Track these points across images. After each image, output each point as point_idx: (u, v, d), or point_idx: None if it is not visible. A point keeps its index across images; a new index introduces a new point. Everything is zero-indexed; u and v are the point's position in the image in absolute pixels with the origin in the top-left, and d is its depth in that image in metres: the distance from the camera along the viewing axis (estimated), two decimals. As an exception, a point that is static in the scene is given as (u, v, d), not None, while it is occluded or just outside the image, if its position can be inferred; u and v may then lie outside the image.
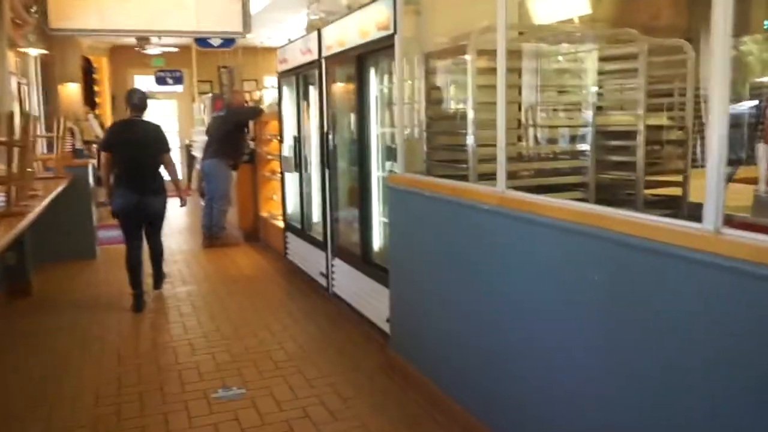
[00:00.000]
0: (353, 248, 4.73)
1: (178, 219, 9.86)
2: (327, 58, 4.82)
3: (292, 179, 6.28)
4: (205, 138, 10.07)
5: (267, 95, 12.64)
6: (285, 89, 6.17)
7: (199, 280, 6.04)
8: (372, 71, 4.28)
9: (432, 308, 3.26)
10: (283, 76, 6.10)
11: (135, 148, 5.03)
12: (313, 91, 5.56)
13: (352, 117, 4.82)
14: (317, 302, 5.15)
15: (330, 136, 4.89)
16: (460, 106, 3.29)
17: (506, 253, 2.63)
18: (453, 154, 3.37)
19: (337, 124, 4.92)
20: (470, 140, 2.98)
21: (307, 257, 5.67)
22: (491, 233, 2.70)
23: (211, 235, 7.50)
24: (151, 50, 12.75)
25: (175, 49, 12.90)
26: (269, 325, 4.62)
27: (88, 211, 7.15)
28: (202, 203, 9.84)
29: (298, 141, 5.65)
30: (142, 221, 5.20)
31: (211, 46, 8.82)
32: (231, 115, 7.36)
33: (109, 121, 13.33)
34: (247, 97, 9.70)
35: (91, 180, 7.30)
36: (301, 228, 5.82)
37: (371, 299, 4.27)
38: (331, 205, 5.01)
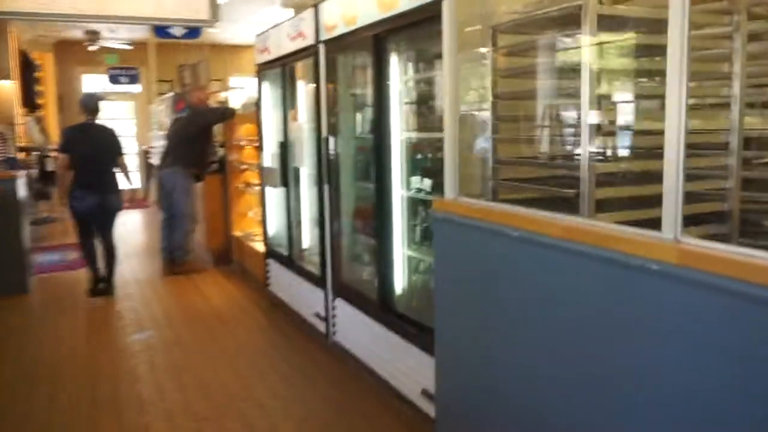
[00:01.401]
0: (364, 288, 3.66)
1: (132, 237, 8.59)
2: (328, 43, 3.74)
3: (275, 195, 5.17)
4: (163, 142, 8.91)
5: (234, 97, 11.45)
6: (266, 85, 5.06)
7: (159, 323, 4.86)
8: (394, 58, 3.22)
9: (516, 391, 2.22)
10: (263, 68, 4.99)
11: (91, 150, 5.29)
12: (304, 87, 4.47)
13: (362, 119, 3.75)
14: (315, 355, 4.04)
15: (331, 143, 3.81)
16: (557, 100, 2.26)
17: (665, 329, 1.61)
18: (536, 170, 2.34)
19: (339, 127, 3.84)
20: (585, 150, 1.95)
21: (297, 293, 4.56)
22: (649, 302, 1.67)
23: (173, 259, 6.30)
24: (103, 44, 11.41)
25: (130, 47, 11.59)
26: (257, 393, 3.50)
27: (16, 234, 5.86)
28: (161, 215, 8.67)
29: (285, 148, 4.55)
30: (98, 220, 5.45)
31: (172, 36, 7.62)
32: (195, 116, 6.18)
33: (53, 125, 11.98)
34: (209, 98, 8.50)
35: (22, 194, 6.02)
36: (288, 256, 4.71)
37: (395, 360, 3.20)
38: (331, 231, 3.93)
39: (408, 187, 3.31)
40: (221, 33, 11.35)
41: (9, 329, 4.83)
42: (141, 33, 11.15)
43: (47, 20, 7.93)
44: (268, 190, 5.14)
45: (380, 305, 3.37)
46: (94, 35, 11.09)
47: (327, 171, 3.86)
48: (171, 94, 8.59)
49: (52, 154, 9.07)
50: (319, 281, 4.13)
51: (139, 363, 4.06)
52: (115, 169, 5.42)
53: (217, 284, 5.94)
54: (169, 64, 12.21)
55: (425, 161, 3.30)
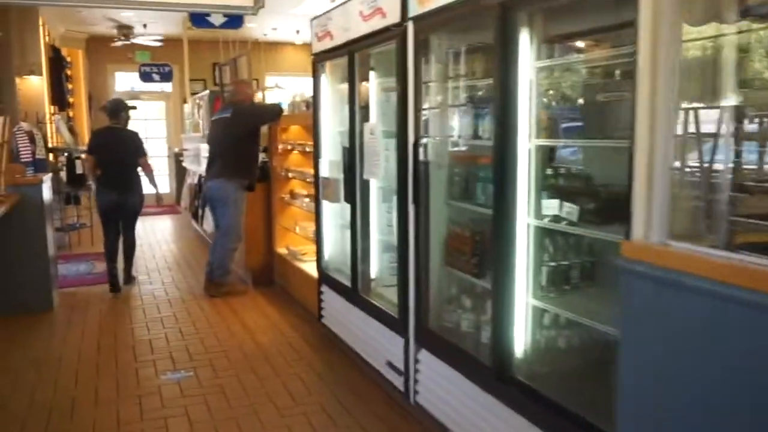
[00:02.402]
0: (465, 343, 2.81)
1: (163, 248, 7.84)
2: (419, 20, 2.89)
3: (334, 212, 4.34)
4: (197, 145, 8.16)
5: (272, 97, 10.71)
6: (324, 79, 4.24)
7: (194, 360, 4.05)
8: (525, 35, 2.36)
9: None
10: (322, 58, 4.17)
11: (113, 153, 5.61)
12: (379, 79, 3.64)
13: (461, 119, 2.90)
14: (390, 420, 3.19)
15: (421, 152, 2.96)
16: None
17: None
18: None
19: (431, 131, 2.99)
20: None
21: (363, 333, 3.72)
22: None
23: (211, 280, 5.51)
24: (135, 40, 10.75)
25: (159, 43, 10.91)
26: (322, 477, 2.66)
27: (41, 245, 5.15)
28: (195, 225, 7.89)
29: (352, 156, 3.71)
30: (120, 217, 5.72)
31: (210, 25, 6.87)
32: (239, 116, 5.37)
33: (83, 125, 11.37)
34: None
35: (47, 197, 5.31)
36: (351, 287, 3.86)
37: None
38: (417, 263, 3.08)
39: (537, 214, 2.44)
40: (257, 29, 10.62)
41: (27, 359, 4.11)
42: (174, 28, 10.48)
43: (82, 5, 7.26)
44: (326, 204, 4.31)
45: (494, 370, 2.50)
46: (126, 30, 10.44)
47: (414, 186, 3.01)
48: (207, 92, 7.84)
49: (82, 155, 8.41)
50: (396, 324, 3.28)
51: (170, 416, 3.26)
52: (139, 171, 5.72)
53: (258, 310, 5.13)
54: (202, 62, 11.53)
55: (566, 178, 2.43)
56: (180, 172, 10.88)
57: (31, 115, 7.88)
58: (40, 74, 8.33)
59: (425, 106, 2.97)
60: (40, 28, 8.49)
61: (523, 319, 2.51)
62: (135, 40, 10.80)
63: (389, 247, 3.83)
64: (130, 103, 6.06)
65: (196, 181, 8.48)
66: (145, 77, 10.89)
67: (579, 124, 2.57)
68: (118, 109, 5.71)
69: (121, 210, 5.64)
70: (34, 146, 7.27)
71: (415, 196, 3.01)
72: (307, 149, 5.19)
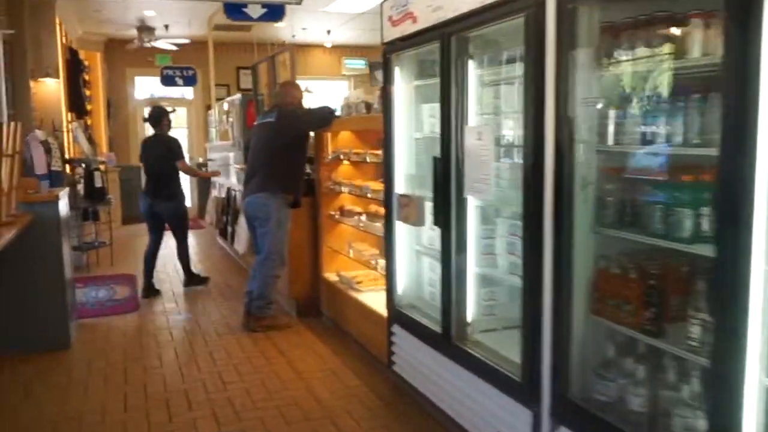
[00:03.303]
0: (636, 428, 2.02)
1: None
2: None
3: (409, 235, 3.57)
4: (226, 155, 7.44)
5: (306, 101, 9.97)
6: (400, 73, 3.47)
7: (245, 420, 3.27)
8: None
9: None
10: (397, 48, 3.41)
11: (150, 160, 5.87)
12: (482, 70, 2.87)
13: (632, 121, 2.12)
14: None
15: (566, 162, 2.19)
16: None
17: None
18: None
19: (575, 134, 2.22)
20: None
21: (460, 393, 2.93)
22: None
23: (251, 312, 4.76)
24: (156, 43, 10.09)
25: (186, 40, 10.23)
26: None
27: (56, 273, 4.44)
28: (222, 243, 7.13)
29: (445, 168, 2.93)
30: (156, 222, 5.90)
31: (246, 17, 6.13)
32: (286, 120, 4.62)
33: (102, 133, 10.72)
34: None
35: (64, 216, 4.61)
36: (443, 333, 3.07)
37: None
38: (555, 311, 2.29)
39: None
40: (286, 29, 9.93)
41: (43, 416, 3.36)
42: (198, 29, 9.81)
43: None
44: (400, 227, 3.53)
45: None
46: (147, 32, 9.79)
47: (555, 206, 2.23)
48: (238, 95, 7.11)
49: (102, 167, 7.72)
50: (518, 390, 2.49)
51: None
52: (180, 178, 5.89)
53: (308, 349, 4.35)
54: (225, 66, 10.88)
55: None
56: (204, 184, 10.19)
57: (47, 122, 7.20)
58: (57, 77, 7.65)
59: (571, 101, 2.19)
60: (57, 28, 7.84)
61: (755, 407, 1.71)
62: (156, 44, 10.14)
63: (488, 282, 3.06)
64: (168, 107, 6.14)
65: (224, 194, 7.77)
66: (168, 81, 10.21)
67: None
68: (159, 116, 5.84)
69: (157, 217, 5.83)
70: (50, 157, 6.57)
71: (558, 222, 2.23)
72: (363, 159, 4.43)
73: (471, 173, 2.73)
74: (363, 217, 4.53)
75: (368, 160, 4.22)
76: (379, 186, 4.17)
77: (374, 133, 5.00)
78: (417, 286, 3.67)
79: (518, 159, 2.70)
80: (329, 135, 4.93)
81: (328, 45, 11.41)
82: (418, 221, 3.18)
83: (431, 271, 3.55)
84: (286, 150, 4.57)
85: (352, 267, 4.89)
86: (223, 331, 4.77)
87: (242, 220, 6.60)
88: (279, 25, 9.47)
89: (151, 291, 5.84)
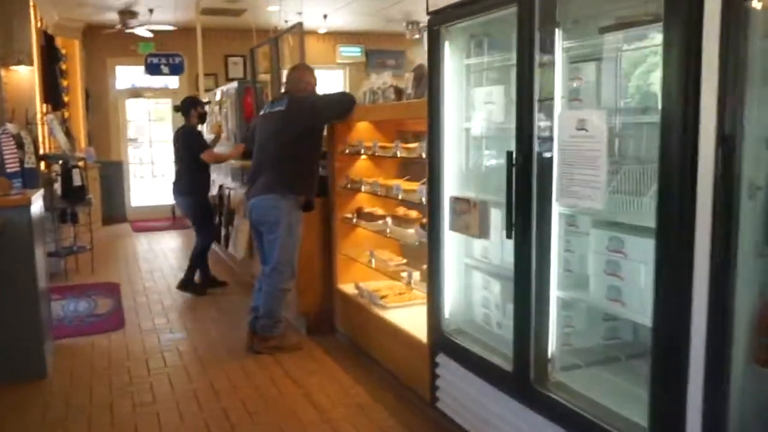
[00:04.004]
0: None
1: (176, 278, 6.40)
2: None
3: (458, 246, 2.95)
4: (217, 148, 6.74)
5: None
6: (450, 49, 2.83)
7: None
8: None
9: None
10: (448, 18, 2.76)
11: (175, 151, 5.77)
12: (571, 42, 2.26)
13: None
14: None
15: (733, 161, 1.57)
16: None
17: None
18: None
19: (745, 120, 1.61)
20: None
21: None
22: None
23: (256, 331, 4.11)
24: (139, 29, 9.34)
25: (170, 27, 9.47)
26: None
27: (29, 288, 3.76)
28: (214, 247, 6.45)
29: (526, 167, 2.30)
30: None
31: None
32: (299, 109, 3.97)
33: (81, 126, 9.94)
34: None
35: (38, 220, 3.94)
36: (515, 372, 2.45)
37: None
38: (713, 361, 1.68)
39: None
40: (280, 14, 9.22)
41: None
42: (184, 13, 9.08)
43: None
44: (448, 236, 2.91)
45: None
46: (129, 16, 9.04)
47: (714, 219, 1.62)
48: (234, 84, 6.42)
49: (81, 163, 6.99)
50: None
51: None
52: (200, 169, 5.57)
53: (327, 376, 3.72)
54: (212, 55, 10.14)
55: None
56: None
57: (19, 114, 6.47)
58: (31, 64, 6.89)
59: (741, 75, 1.58)
60: (31, 11, 7.07)
61: None
62: (138, 30, 9.37)
63: (566, 307, 2.46)
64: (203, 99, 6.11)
65: (215, 191, 7.08)
66: (152, 69, 9.45)
67: None
68: (187, 107, 5.62)
69: (181, 210, 5.97)
70: (23, 153, 5.86)
71: (719, 241, 1.62)
72: (392, 153, 3.80)
73: (568, 173, 2.11)
74: (389, 221, 3.90)
75: (399, 154, 3.58)
76: (411, 186, 3.55)
77: (394, 123, 4.41)
78: (466, 306, 3.06)
79: (628, 154, 2.10)
80: (343, 126, 4.29)
81: (322, 31, 10.70)
82: (482, 232, 2.56)
83: (485, 289, 2.95)
84: (298, 143, 3.92)
85: (370, 277, 4.28)
86: (223, 354, 4.12)
87: (238, 222, 5.94)
88: (272, 8, 8.79)
89: (211, 282, 5.74)
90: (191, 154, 5.46)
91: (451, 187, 2.87)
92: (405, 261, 4.00)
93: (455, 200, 2.70)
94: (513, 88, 2.35)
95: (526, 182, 2.29)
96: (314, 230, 4.46)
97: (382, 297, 3.92)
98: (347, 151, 4.28)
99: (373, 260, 4.08)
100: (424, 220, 3.50)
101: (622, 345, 2.62)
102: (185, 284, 5.64)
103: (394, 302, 3.86)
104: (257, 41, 7.81)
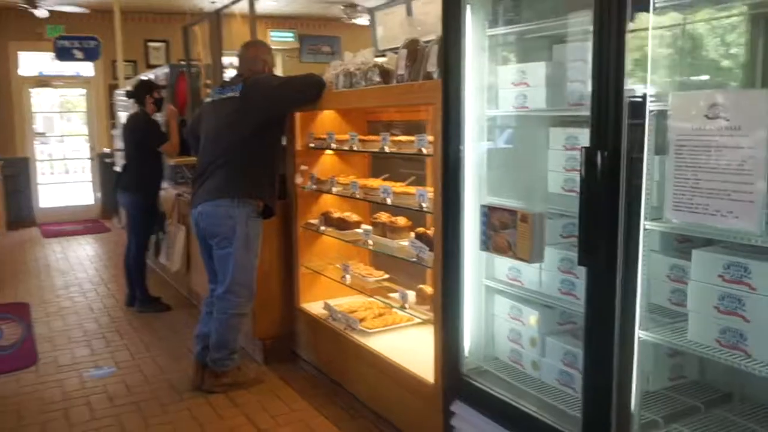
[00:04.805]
0: None
1: (102, 291, 5.48)
2: None
3: (474, 265, 2.34)
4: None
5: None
6: (473, 14, 2.21)
7: None
8: None
9: None
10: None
11: (124, 144, 5.01)
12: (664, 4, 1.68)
13: None
14: None
15: None
16: None
17: None
18: None
19: None
20: None
21: None
22: None
23: (206, 365, 3.36)
24: (48, 9, 8.19)
25: (82, 9, 8.38)
26: None
27: None
28: (164, 262, 5.56)
29: (613, 168, 1.70)
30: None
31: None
32: (257, 94, 3.21)
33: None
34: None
35: None
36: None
37: None
38: None
39: None
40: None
41: None
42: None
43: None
44: (468, 252, 2.29)
45: None
46: (34, -7, 7.89)
47: None
48: (165, 69, 5.54)
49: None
50: None
51: None
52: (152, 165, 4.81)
53: (295, 422, 3.03)
54: (131, 39, 9.10)
55: None
56: (109, 178, 8.46)
57: None
58: None
59: None
60: None
61: None
62: (44, 12, 8.22)
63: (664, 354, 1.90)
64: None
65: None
66: (63, 54, 8.29)
67: None
68: (141, 92, 4.80)
69: (125, 212, 5.01)
70: None
71: None
72: (378, 148, 3.14)
73: (687, 178, 1.54)
74: (370, 230, 3.24)
75: (387, 149, 2.91)
76: (405, 189, 2.91)
77: (363, 112, 3.77)
78: (486, 339, 2.46)
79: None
80: (305, 116, 3.59)
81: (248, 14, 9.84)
82: (534, 255, 1.95)
83: (515, 319, 2.36)
84: (257, 137, 3.19)
85: (336, 293, 3.65)
86: (165, 396, 3.35)
87: (175, 228, 5.12)
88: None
89: (147, 302, 4.84)
90: (145, 146, 4.71)
91: (472, 191, 2.26)
92: (384, 275, 3.37)
93: (491, 210, 2.07)
94: (557, 63, 1.77)
95: (611, 189, 1.70)
96: (271, 239, 3.74)
97: (361, 320, 3.27)
98: (311, 145, 3.59)
99: (347, 276, 3.41)
100: (420, 230, 2.88)
101: (690, 386, 2.11)
102: (144, 303, 4.82)
103: (375, 326, 3.23)
104: (178, 26, 6.92)
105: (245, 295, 3.30)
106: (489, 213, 2.06)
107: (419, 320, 2.93)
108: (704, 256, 1.69)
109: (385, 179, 3.36)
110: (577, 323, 2.35)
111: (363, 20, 9.33)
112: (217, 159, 3.22)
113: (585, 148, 1.75)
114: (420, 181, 3.20)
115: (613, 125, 1.70)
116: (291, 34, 10.88)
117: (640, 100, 1.68)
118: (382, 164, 3.64)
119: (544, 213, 1.96)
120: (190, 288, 5.03)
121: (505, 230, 2.00)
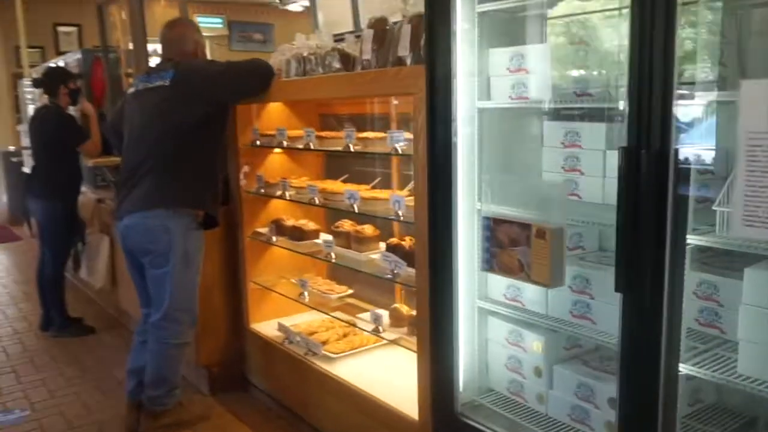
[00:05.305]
0: None
1: (12, 313, 4.82)
2: None
3: (467, 284, 1.99)
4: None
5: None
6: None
7: None
8: None
9: None
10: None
11: (33, 142, 4.28)
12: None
13: None
14: None
15: None
16: None
17: None
18: None
19: None
20: None
21: None
22: None
23: (142, 405, 2.87)
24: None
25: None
26: None
27: None
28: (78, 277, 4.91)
29: (662, 170, 1.37)
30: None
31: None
32: (192, 81, 2.71)
33: None
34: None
35: None
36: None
37: None
38: None
39: None
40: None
41: None
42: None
43: None
44: (463, 274, 1.93)
45: None
46: None
47: None
48: (78, 54, 4.89)
49: None
50: None
51: None
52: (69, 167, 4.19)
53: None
54: (37, 24, 8.27)
55: None
56: (15, 179, 7.64)
57: None
58: None
59: None
60: None
61: None
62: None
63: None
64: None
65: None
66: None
67: None
68: (53, 82, 4.15)
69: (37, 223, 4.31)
70: None
71: None
72: (324, 146, 2.73)
73: (765, 188, 1.22)
74: (332, 241, 2.84)
75: (352, 148, 2.50)
76: (377, 194, 2.52)
77: (314, 105, 3.36)
78: (480, 368, 2.12)
79: None
80: (248, 109, 3.14)
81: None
82: (554, 278, 1.60)
83: (514, 345, 2.03)
84: (194, 133, 2.70)
85: (290, 310, 3.24)
86: (94, 442, 2.85)
87: (96, 239, 4.54)
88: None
89: (66, 325, 4.24)
90: (59, 145, 4.10)
91: (464, 198, 1.90)
92: (350, 291, 2.99)
93: (496, 223, 1.71)
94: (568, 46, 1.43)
95: (656, 199, 1.37)
96: (213, 250, 3.26)
97: (323, 343, 2.87)
98: (258, 143, 3.13)
99: (305, 293, 2.99)
100: (393, 241, 2.51)
101: (711, 412, 1.86)
102: (62, 326, 4.21)
103: (340, 350, 2.84)
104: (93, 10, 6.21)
105: (186, 322, 2.83)
106: (493, 226, 1.70)
107: (386, 341, 2.57)
108: (763, 275, 1.40)
109: (345, 181, 2.97)
110: (583, 347, 2.05)
111: (297, 6, 8.82)
112: (146, 160, 2.71)
113: (623, 147, 1.41)
114: (385, 183, 2.83)
115: (659, 119, 1.37)
116: (220, 20, 10.26)
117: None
118: (337, 164, 3.24)
119: (564, 227, 1.61)
120: (117, 306, 4.46)
121: (515, 247, 1.65)
